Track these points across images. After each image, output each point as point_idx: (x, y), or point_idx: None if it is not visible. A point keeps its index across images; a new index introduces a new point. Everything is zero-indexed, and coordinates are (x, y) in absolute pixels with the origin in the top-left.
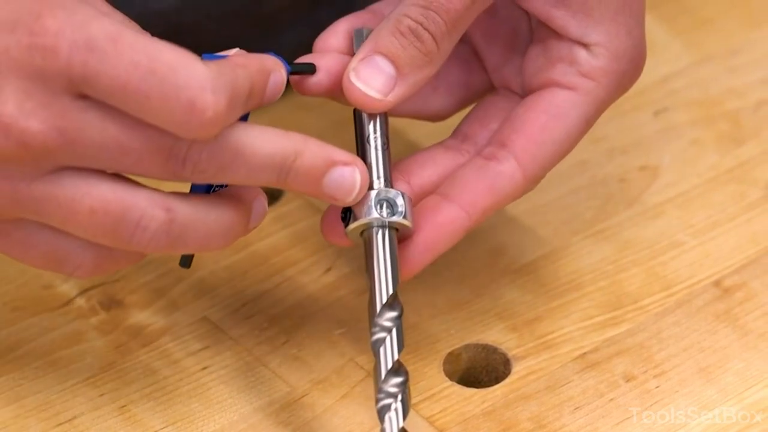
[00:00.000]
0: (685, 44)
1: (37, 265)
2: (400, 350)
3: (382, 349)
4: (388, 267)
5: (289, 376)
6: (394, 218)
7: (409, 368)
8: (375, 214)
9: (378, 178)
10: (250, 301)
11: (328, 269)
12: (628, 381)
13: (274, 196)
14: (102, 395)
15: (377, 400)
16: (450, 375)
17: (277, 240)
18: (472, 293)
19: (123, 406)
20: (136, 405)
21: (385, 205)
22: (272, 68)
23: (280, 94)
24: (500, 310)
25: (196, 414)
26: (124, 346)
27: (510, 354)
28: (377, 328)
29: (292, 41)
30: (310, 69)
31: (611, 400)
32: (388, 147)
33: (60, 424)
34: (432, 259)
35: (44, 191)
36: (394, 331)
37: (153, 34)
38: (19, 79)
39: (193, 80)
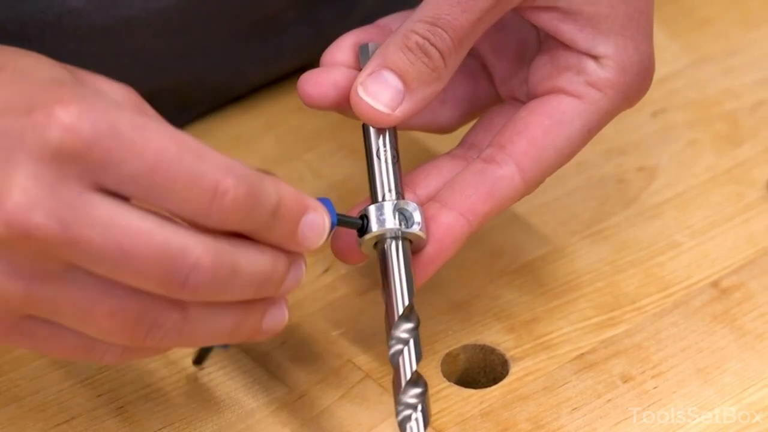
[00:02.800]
0: (682, 45)
1: (65, 356)
2: (418, 361)
3: (400, 361)
4: (404, 279)
5: (287, 376)
6: (411, 229)
7: None
8: (392, 225)
9: (389, 191)
10: None
11: (327, 269)
12: (626, 382)
13: None
14: (100, 396)
15: (398, 413)
16: (448, 376)
17: None
18: (470, 294)
19: (121, 407)
20: (134, 406)
21: (399, 216)
22: (311, 207)
23: (321, 238)
24: (498, 311)
25: (194, 414)
26: None
27: (508, 355)
28: (394, 341)
29: (292, 41)
30: (357, 224)
31: (609, 400)
32: (398, 160)
33: (58, 424)
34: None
35: (59, 291)
36: (411, 342)
37: (153, 33)
38: (32, 163)
39: (217, 165)
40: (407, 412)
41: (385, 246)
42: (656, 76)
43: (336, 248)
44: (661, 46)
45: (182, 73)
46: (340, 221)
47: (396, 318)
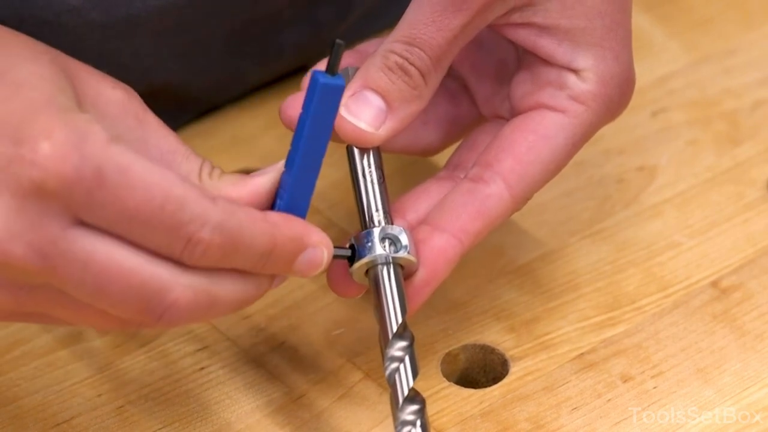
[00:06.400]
0: (682, 45)
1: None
2: (414, 377)
3: (397, 379)
4: (396, 298)
5: (287, 376)
6: (399, 254)
7: None
8: (380, 251)
9: (377, 210)
10: None
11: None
12: (625, 381)
13: None
14: (100, 395)
15: (397, 431)
16: (448, 375)
17: None
18: (470, 294)
19: (121, 407)
20: (133, 405)
21: (388, 242)
22: (310, 244)
23: (318, 270)
24: (498, 311)
25: (194, 414)
26: (122, 346)
27: (508, 354)
28: (389, 360)
29: (292, 40)
30: (346, 254)
31: (609, 400)
32: (383, 180)
33: (58, 424)
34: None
35: (47, 300)
36: (406, 359)
37: (152, 32)
38: (13, 197)
39: (197, 215)
40: (407, 429)
41: (376, 272)
42: (656, 75)
43: (331, 282)
44: (661, 46)
45: (181, 72)
46: (336, 255)
47: (390, 337)
